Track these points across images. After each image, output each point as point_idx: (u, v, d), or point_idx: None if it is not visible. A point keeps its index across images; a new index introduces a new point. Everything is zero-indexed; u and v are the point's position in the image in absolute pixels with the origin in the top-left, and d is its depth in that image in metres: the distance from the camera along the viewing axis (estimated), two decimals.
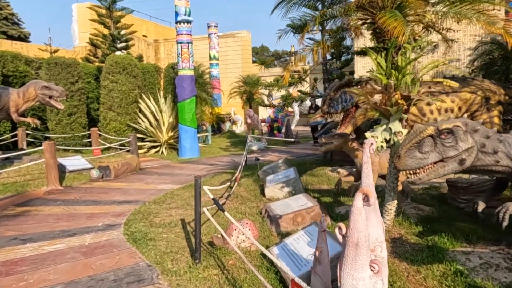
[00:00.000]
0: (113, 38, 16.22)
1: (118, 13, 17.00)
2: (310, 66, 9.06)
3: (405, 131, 3.59)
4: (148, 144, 12.33)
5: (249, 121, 12.58)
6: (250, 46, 28.70)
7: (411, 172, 3.19)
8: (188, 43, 10.98)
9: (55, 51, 16.80)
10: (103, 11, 16.67)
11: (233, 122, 19.75)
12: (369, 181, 2.63)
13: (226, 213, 3.53)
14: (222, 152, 12.30)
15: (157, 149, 12.47)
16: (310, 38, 9.00)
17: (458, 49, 12.62)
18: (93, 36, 16.86)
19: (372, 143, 2.76)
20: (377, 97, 3.54)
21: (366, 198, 2.20)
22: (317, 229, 3.65)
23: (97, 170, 8.11)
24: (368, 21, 4.65)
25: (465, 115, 6.47)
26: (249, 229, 3.90)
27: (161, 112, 12.65)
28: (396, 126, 3.61)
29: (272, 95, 20.55)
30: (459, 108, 6.21)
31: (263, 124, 16.23)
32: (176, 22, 10.90)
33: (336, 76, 9.19)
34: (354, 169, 7.54)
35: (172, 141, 12.65)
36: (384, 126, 3.72)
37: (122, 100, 12.12)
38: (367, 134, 3.74)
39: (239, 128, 19.71)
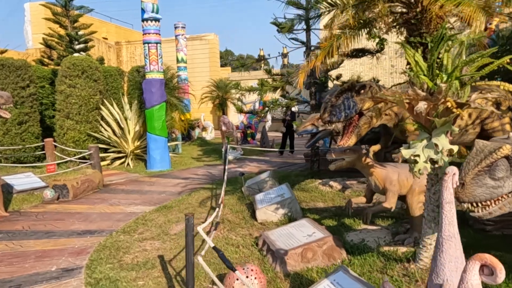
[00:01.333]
0: (70, 38, 14.81)
1: (75, 12, 15.58)
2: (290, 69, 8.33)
3: (455, 148, 2.82)
4: (112, 155, 11.08)
5: (223, 128, 11.64)
6: (218, 49, 27.75)
7: (478, 204, 2.41)
8: (157, 43, 9.91)
9: (2, 52, 15.08)
10: (59, 9, 15.21)
11: (203, 129, 18.70)
12: (453, 230, 1.81)
13: (237, 272, 2.60)
14: (195, 163, 11.26)
15: (122, 160, 11.24)
16: (293, 39, 8.22)
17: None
18: (47, 36, 15.32)
19: (454, 173, 1.96)
20: (422, 106, 2.75)
21: (487, 270, 1.37)
22: (347, 277, 2.81)
23: (51, 189, 6.89)
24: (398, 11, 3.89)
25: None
26: (255, 277, 2.99)
27: (126, 119, 11.45)
28: (443, 141, 2.83)
29: (242, 99, 19.69)
30: (469, 115, 5.61)
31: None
32: (143, 20, 9.81)
33: (321, 80, 8.47)
34: (356, 184, 6.83)
35: (139, 151, 11.47)
36: (425, 142, 2.94)
37: (81, 106, 10.82)
38: (404, 151, 2.94)
39: (210, 135, 18.69)
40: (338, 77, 8.47)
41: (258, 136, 16.40)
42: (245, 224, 5.14)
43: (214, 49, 26.72)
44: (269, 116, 20.30)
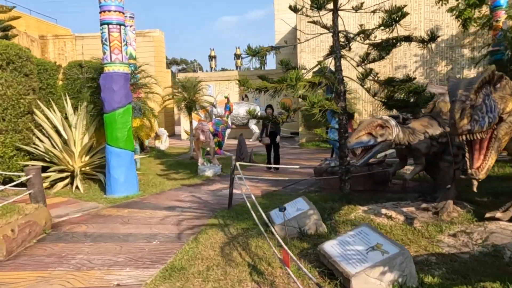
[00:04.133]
0: None
1: None
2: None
3: None
4: (53, 176, 8.20)
5: (202, 137, 9.32)
6: (164, 47, 24.96)
7: None
8: (120, 24, 7.36)
9: None
10: None
11: (156, 137, 16.00)
12: None
13: None
14: (166, 183, 8.78)
15: (66, 182, 8.40)
16: (314, 22, 6.30)
17: None
18: None
19: None
20: None
21: None
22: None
23: None
24: None
25: None
26: None
27: (70, 127, 8.63)
28: None
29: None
30: None
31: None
32: None
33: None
34: (406, 209, 4.83)
35: (88, 169, 8.69)
36: None
37: (7, 110, 7.84)
38: None
39: (164, 144, 16.06)
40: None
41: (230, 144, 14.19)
42: None
43: (159, 47, 23.92)
44: (228, 122, 18.14)
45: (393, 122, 5.11)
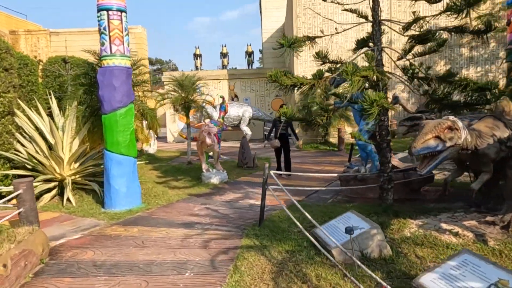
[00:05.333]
0: None
1: None
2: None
3: None
4: (39, 187, 7.07)
5: (208, 141, 8.36)
6: (146, 44, 23.71)
7: None
8: (121, 11, 6.35)
9: None
10: None
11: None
12: None
13: None
14: (170, 193, 7.79)
15: (54, 193, 7.30)
16: (351, 10, 5.53)
17: None
18: None
19: None
20: None
21: None
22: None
23: None
24: None
25: None
26: None
27: (58, 130, 7.53)
28: None
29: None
30: None
31: (193, 142, 11.95)
32: None
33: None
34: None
35: (79, 178, 7.61)
36: None
37: None
38: None
39: (152, 148, 14.96)
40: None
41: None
42: None
43: (142, 45, 22.67)
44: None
45: (460, 124, 4.40)
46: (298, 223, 4.69)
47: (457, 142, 4.29)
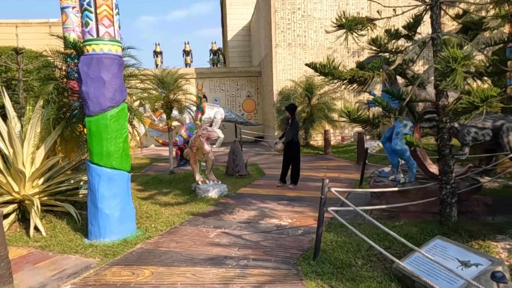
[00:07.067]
0: None
1: None
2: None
3: None
4: None
5: (207, 148, 7.01)
6: None
7: None
8: None
9: None
10: None
11: None
12: None
13: None
14: (165, 212, 6.37)
15: (12, 219, 5.62)
16: None
17: None
18: None
19: None
20: None
21: None
22: None
23: None
24: None
25: None
26: None
27: (16, 137, 5.84)
28: None
29: (144, 105, 15.02)
30: None
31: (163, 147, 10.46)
32: None
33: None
34: None
35: (45, 197, 5.97)
36: None
37: None
38: None
39: None
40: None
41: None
42: None
43: None
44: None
45: None
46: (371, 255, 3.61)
47: None
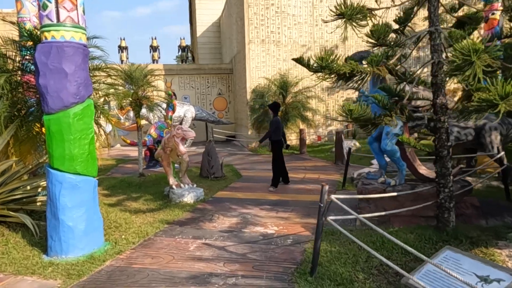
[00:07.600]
0: None
1: None
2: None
3: None
4: None
5: (182, 149, 6.45)
6: None
7: None
8: None
9: None
10: None
11: None
12: None
13: None
14: (136, 220, 5.75)
15: None
16: None
17: None
18: None
19: None
20: None
21: None
22: None
23: None
24: None
25: None
26: None
27: None
28: None
29: (109, 102, 14.16)
30: None
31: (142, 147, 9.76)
32: None
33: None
34: None
35: None
36: None
37: None
38: None
39: None
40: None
41: None
42: None
43: None
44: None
45: None
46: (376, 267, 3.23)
47: None
